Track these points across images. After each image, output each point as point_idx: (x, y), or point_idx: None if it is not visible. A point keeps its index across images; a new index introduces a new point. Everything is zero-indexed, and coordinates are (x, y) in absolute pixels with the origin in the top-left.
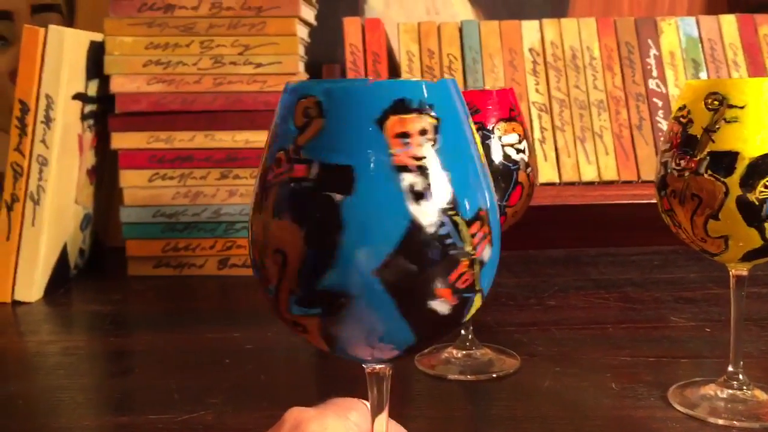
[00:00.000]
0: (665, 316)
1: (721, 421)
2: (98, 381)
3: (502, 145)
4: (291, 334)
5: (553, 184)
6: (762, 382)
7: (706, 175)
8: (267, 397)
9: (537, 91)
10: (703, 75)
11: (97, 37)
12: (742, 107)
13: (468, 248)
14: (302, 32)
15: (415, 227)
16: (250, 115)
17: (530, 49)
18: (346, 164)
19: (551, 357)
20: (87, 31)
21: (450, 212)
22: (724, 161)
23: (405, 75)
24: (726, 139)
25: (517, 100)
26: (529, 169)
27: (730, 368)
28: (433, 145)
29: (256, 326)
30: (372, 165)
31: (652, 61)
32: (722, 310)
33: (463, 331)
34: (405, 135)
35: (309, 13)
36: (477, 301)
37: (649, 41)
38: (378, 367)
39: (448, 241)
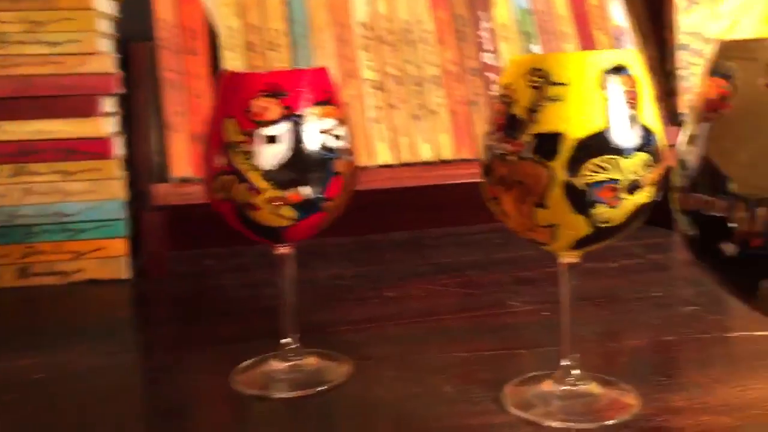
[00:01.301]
0: (503, 300)
1: (556, 424)
2: None
3: (316, 132)
4: (96, 356)
5: (390, 166)
6: (600, 371)
7: (530, 160)
8: None
9: (369, 68)
10: (535, 47)
11: None
12: (565, 84)
13: None
14: (104, 5)
15: None
16: (45, 102)
17: (361, 23)
18: None
19: (385, 359)
20: None
21: None
22: (548, 143)
23: (226, 53)
24: (549, 120)
25: (331, 81)
26: (349, 157)
27: (563, 362)
28: None
29: (54, 348)
30: None
31: (485, 34)
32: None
33: (283, 340)
34: None
35: None
36: None
37: (482, 14)
38: None
39: None
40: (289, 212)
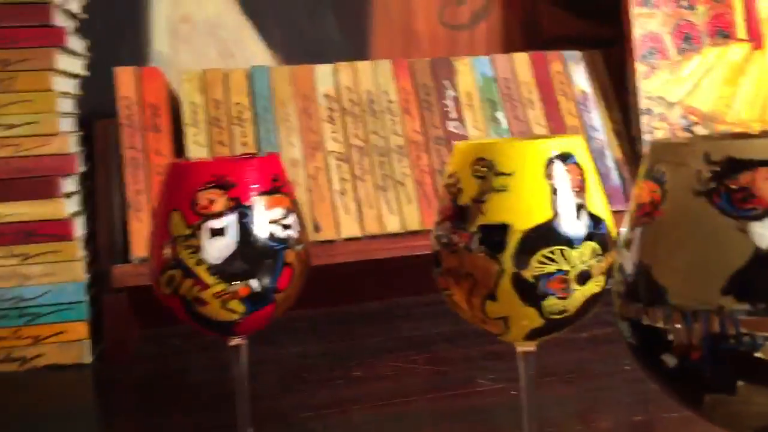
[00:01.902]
0: (473, 378)
1: None
2: None
3: (264, 222)
4: None
5: (357, 239)
6: None
7: (478, 252)
8: None
9: (334, 139)
10: (500, 114)
11: None
12: (509, 174)
13: None
14: (64, 85)
15: None
16: (2, 184)
17: (325, 95)
18: None
19: None
20: None
21: None
22: (496, 235)
23: (188, 128)
24: (496, 211)
25: (282, 167)
26: (299, 247)
27: None
28: None
29: None
30: None
31: (450, 102)
32: None
33: None
34: None
35: (73, 63)
36: None
37: (446, 82)
38: None
39: None
40: (238, 306)
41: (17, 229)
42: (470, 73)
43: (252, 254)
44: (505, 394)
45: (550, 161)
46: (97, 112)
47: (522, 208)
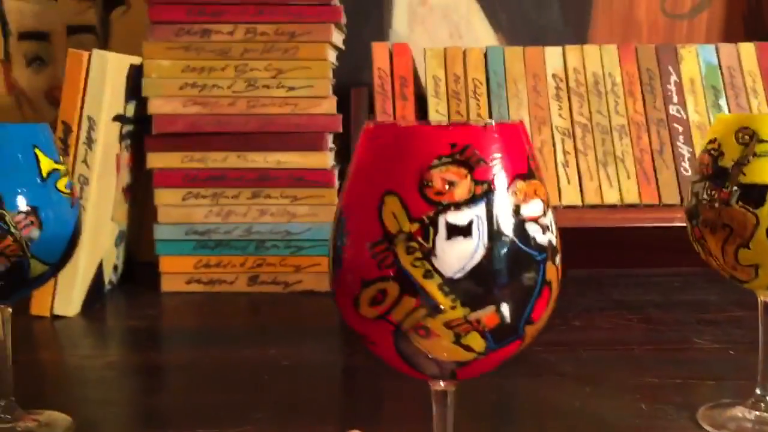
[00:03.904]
0: (688, 338)
1: None
2: (142, 395)
3: (522, 220)
4: (326, 352)
5: (575, 207)
6: None
7: (736, 206)
8: (311, 414)
9: (560, 116)
10: (723, 102)
11: (136, 60)
12: None
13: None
14: (332, 56)
15: None
16: (282, 137)
17: (553, 75)
18: None
19: (580, 377)
20: (125, 54)
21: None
22: (755, 193)
23: (431, 99)
24: (756, 172)
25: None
26: (557, 258)
27: (757, 391)
28: None
29: (290, 343)
30: None
31: (672, 87)
32: (745, 333)
33: None
34: None
35: (339, 38)
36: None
37: (670, 68)
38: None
39: None
40: (477, 342)
41: (289, 175)
42: (694, 59)
43: (508, 266)
44: (724, 352)
45: None
46: (345, 81)
47: None
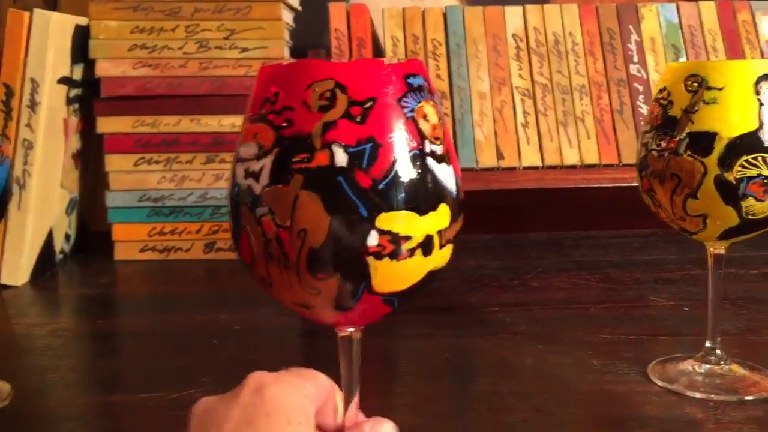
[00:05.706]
0: (645, 296)
1: (698, 395)
2: (88, 361)
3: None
4: (278, 315)
5: (535, 168)
6: (739, 358)
7: (685, 155)
8: None
9: (520, 76)
10: (683, 60)
11: (82, 21)
12: (720, 89)
13: None
14: (287, 17)
15: None
16: (236, 100)
17: (513, 35)
18: None
19: (535, 336)
20: (72, 15)
21: None
22: (703, 141)
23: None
24: (705, 120)
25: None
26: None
27: (707, 344)
28: None
29: (243, 308)
30: None
31: (633, 46)
32: (700, 290)
33: None
34: None
35: None
36: None
37: (630, 27)
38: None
39: None
40: None
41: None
42: (655, 18)
43: None
44: (678, 309)
45: (760, 79)
46: (303, 43)
47: (729, 118)
